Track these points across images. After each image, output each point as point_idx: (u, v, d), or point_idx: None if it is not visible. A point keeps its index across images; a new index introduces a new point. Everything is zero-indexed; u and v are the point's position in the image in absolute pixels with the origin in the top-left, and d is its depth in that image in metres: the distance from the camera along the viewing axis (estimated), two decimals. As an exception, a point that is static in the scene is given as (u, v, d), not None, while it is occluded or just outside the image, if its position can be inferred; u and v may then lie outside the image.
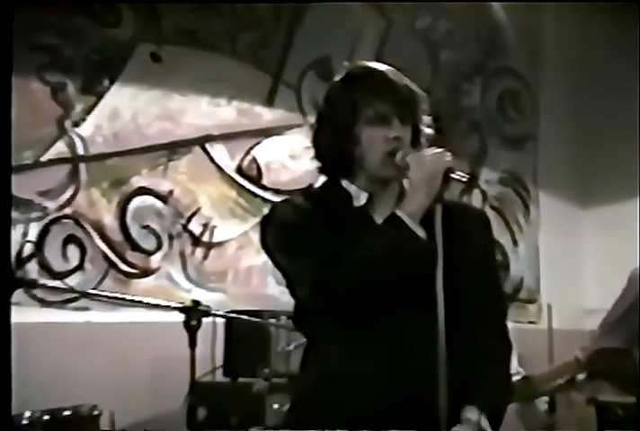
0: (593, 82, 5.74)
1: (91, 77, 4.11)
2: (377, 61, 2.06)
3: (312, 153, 2.01)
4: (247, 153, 4.58)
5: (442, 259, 1.80)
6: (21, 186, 3.81)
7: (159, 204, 4.29)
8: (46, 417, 2.80)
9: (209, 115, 4.47)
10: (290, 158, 4.65)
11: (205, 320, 2.81)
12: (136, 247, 4.20)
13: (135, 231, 4.20)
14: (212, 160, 4.47)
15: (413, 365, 1.84)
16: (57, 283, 3.86)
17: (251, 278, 4.48)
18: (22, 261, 3.84)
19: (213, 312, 2.86)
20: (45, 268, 3.91)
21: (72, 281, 3.95)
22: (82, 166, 4.08)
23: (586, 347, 3.17)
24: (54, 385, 3.56)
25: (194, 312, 2.76)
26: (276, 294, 4.27)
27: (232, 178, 4.52)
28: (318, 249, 1.85)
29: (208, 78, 4.47)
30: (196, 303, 2.81)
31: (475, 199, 5.29)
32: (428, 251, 1.82)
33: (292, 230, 1.91)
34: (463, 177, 1.86)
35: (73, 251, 4.00)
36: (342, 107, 1.94)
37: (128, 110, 4.24)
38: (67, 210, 4.01)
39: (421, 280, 1.82)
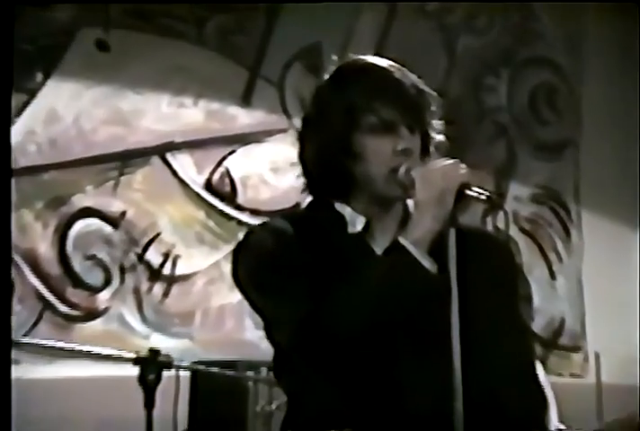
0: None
1: (20, 71, 4.14)
2: (378, 53, 2.11)
3: (298, 168, 2.03)
4: (218, 164, 4.62)
5: (457, 298, 1.83)
6: None
7: (108, 228, 4.32)
8: None
9: (171, 118, 4.52)
10: (272, 171, 4.69)
11: (166, 373, 2.82)
12: (78, 283, 4.22)
13: (77, 263, 4.22)
14: (175, 173, 4.51)
15: (424, 427, 1.86)
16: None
17: (223, 321, 4.50)
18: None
19: (176, 363, 2.88)
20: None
21: (-2, 326, 3.97)
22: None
23: None
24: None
25: (152, 364, 2.78)
26: (255, 340, 4.28)
27: (199, 196, 4.55)
28: (304, 285, 1.87)
29: (169, 72, 4.52)
30: (154, 352, 2.82)
31: (502, 222, 5.30)
32: (439, 288, 1.83)
33: (272, 261, 1.93)
34: (482, 194, 1.87)
35: (-1, 289, 4.02)
36: (334, 112, 1.96)
37: (68, 112, 4.27)
38: (-8, 237, 4.03)
39: (430, 324, 1.84)
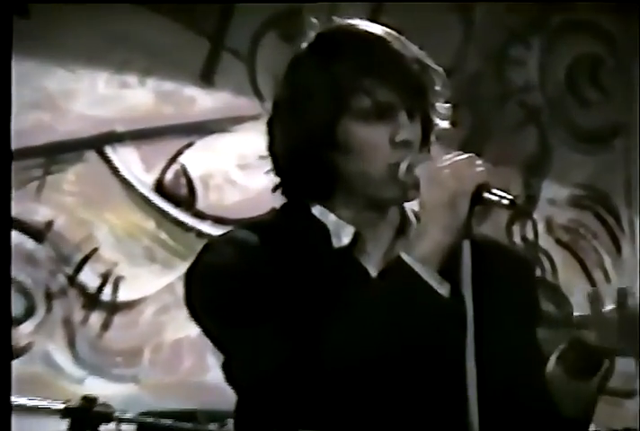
0: None
1: None
2: (374, 18, 2.09)
3: (268, 162, 2.02)
4: (172, 160, 4.63)
5: (472, 326, 1.85)
6: None
7: (30, 243, 4.33)
8: None
9: (111, 101, 4.53)
10: (240, 168, 4.70)
11: (104, 427, 2.81)
12: (-6, 312, 4.22)
13: (-7, 286, 4.22)
14: (116, 172, 4.52)
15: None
16: None
17: (179, 359, 4.51)
18: None
19: (117, 415, 2.87)
20: None
21: None
22: None
23: None
24: None
25: (86, 417, 2.78)
26: (219, 383, 4.25)
27: (148, 200, 4.57)
28: (277, 314, 1.87)
29: (108, 42, 4.52)
30: (89, 401, 2.84)
31: (531, 232, 5.31)
32: (452, 315, 1.85)
33: (235, 283, 1.92)
34: (504, 197, 1.86)
35: None
36: (315, 92, 1.95)
37: (-20, 95, 4.29)
38: None
39: (442, 357, 1.86)
